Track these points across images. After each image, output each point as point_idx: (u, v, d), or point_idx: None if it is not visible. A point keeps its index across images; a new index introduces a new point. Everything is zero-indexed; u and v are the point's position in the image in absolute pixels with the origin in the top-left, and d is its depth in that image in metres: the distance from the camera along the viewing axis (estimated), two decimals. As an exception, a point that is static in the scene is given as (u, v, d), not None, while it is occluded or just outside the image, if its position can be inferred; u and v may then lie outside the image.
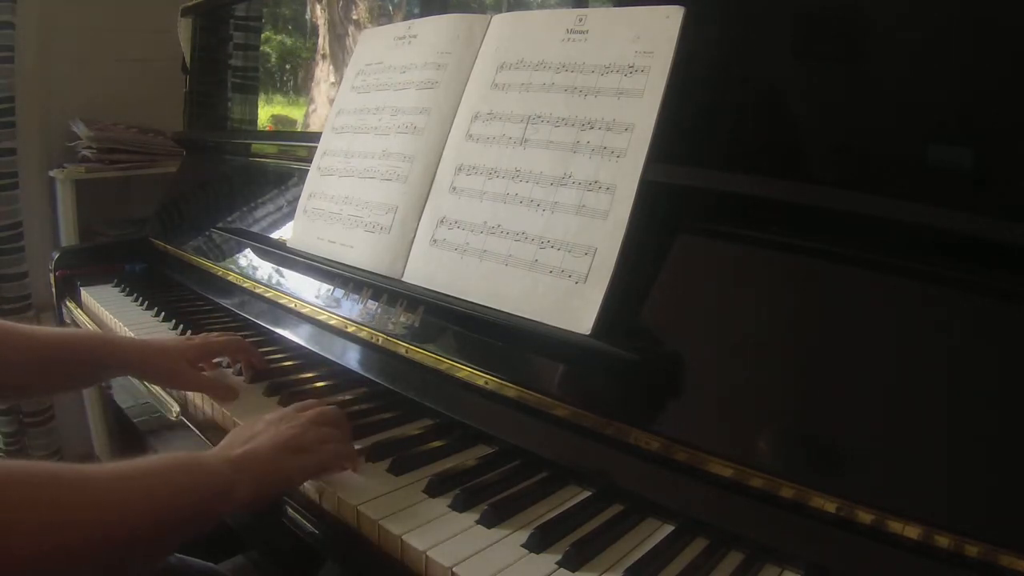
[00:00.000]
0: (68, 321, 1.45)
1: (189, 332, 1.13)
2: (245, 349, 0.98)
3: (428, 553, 0.59)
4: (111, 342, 0.98)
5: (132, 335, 1.14)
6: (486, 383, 0.79)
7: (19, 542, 0.47)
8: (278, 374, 0.98)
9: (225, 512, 0.64)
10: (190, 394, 0.95)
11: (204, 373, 0.95)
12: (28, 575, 0.48)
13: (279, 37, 2.03)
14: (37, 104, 1.98)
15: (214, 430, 0.88)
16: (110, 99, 2.10)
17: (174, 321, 1.20)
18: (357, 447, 0.77)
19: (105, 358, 0.91)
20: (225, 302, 1.26)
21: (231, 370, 0.99)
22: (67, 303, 1.47)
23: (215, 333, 1.02)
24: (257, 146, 1.51)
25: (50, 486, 0.52)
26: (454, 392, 0.82)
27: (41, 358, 0.86)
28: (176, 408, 0.94)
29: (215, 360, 1.00)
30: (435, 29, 1.00)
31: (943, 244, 0.58)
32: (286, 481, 0.69)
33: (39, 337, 0.87)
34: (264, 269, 1.20)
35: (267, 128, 1.86)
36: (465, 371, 0.81)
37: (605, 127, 0.77)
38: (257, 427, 0.72)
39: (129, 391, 1.12)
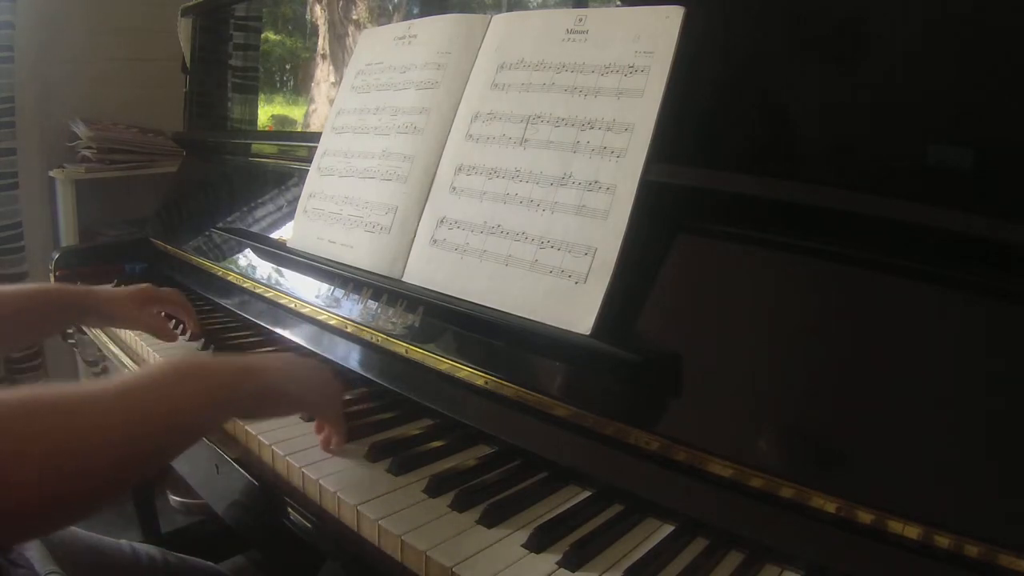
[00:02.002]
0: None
1: (190, 332, 1.13)
2: (183, 304, 1.11)
3: (428, 553, 0.59)
4: (74, 291, 1.10)
5: (130, 333, 1.15)
6: (486, 383, 0.79)
7: (25, 474, 0.48)
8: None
9: (225, 415, 0.69)
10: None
11: (147, 314, 1.06)
12: (43, 502, 0.49)
13: (279, 37, 2.03)
14: (37, 104, 1.98)
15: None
16: (110, 99, 2.10)
17: (174, 321, 1.20)
18: (357, 447, 0.77)
19: (69, 305, 1.02)
20: (225, 302, 1.26)
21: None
22: (67, 303, 1.47)
23: (165, 288, 1.12)
24: (257, 146, 1.51)
25: (53, 413, 0.52)
26: (454, 392, 0.82)
27: (16, 307, 0.93)
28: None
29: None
30: (435, 29, 1.00)
31: (943, 244, 0.58)
32: (283, 402, 0.73)
33: (9, 292, 0.94)
34: (264, 269, 1.20)
35: (267, 128, 1.86)
36: (465, 371, 0.81)
37: (605, 127, 0.77)
38: (277, 355, 0.78)
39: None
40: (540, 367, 0.76)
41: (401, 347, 0.89)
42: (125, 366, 1.11)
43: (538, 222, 0.79)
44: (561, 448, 0.72)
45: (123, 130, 2.04)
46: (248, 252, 1.26)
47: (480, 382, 0.80)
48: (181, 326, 1.15)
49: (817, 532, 0.57)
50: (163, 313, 1.12)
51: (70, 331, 1.38)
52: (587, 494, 0.70)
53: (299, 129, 1.87)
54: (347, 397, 0.91)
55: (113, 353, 1.18)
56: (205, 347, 1.09)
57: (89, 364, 1.57)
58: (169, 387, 0.61)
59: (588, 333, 0.72)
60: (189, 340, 1.10)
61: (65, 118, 2.01)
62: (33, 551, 0.74)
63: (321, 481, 0.70)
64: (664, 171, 0.73)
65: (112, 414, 0.56)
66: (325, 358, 0.99)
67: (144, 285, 1.10)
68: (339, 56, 1.71)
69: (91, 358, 1.39)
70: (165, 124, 2.01)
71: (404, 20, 1.19)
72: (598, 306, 0.72)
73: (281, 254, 1.12)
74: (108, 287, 1.20)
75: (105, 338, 1.23)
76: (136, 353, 1.14)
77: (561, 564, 0.59)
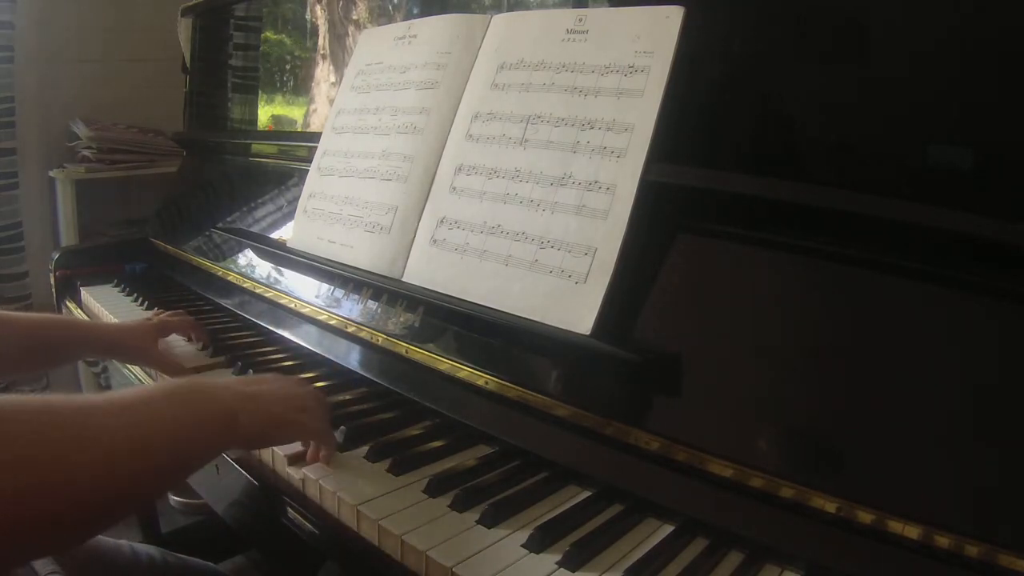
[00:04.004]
0: (68, 321, 1.45)
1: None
2: (192, 326, 1.11)
3: (428, 553, 0.59)
4: (84, 327, 1.12)
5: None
6: (486, 383, 0.79)
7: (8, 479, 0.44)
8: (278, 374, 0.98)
9: (225, 445, 0.65)
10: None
11: (161, 350, 1.04)
12: (25, 522, 0.45)
13: (279, 37, 2.03)
14: (37, 104, 1.98)
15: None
16: (110, 99, 2.10)
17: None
18: (357, 447, 0.77)
19: (80, 342, 1.02)
20: (225, 302, 1.26)
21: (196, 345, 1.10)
22: (67, 303, 1.47)
23: (168, 312, 1.12)
24: (257, 146, 1.51)
25: (44, 424, 0.49)
26: (454, 392, 0.82)
27: (23, 343, 0.94)
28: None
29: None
30: (435, 29, 1.00)
31: (943, 244, 0.58)
32: (284, 431, 0.71)
33: (21, 322, 0.95)
34: (264, 269, 1.20)
35: (267, 128, 1.86)
36: (465, 371, 0.81)
37: (605, 127, 0.77)
38: (263, 377, 0.74)
39: (129, 391, 1.12)
40: (540, 367, 0.76)
41: (401, 347, 0.89)
42: (125, 366, 1.11)
43: (538, 222, 0.79)
44: (561, 448, 0.72)
45: (123, 130, 2.03)
46: (248, 252, 1.26)
47: (480, 382, 0.80)
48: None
49: (817, 532, 0.57)
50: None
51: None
52: (587, 494, 0.70)
53: (299, 129, 1.87)
54: (347, 397, 0.91)
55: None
56: (214, 354, 1.08)
57: (89, 364, 1.57)
58: (171, 409, 0.58)
59: (588, 333, 0.72)
60: (201, 350, 1.09)
61: (65, 118, 2.01)
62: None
63: (321, 481, 0.70)
64: (664, 171, 0.73)
65: (109, 430, 0.52)
66: (325, 358, 0.99)
67: (161, 317, 1.09)
68: (339, 56, 1.71)
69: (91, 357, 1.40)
70: (165, 124, 2.01)
71: (404, 20, 1.19)
72: (598, 306, 0.72)
73: (281, 254, 1.12)
74: (123, 322, 1.17)
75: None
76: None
77: (561, 564, 0.59)
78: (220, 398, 0.64)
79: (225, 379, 0.71)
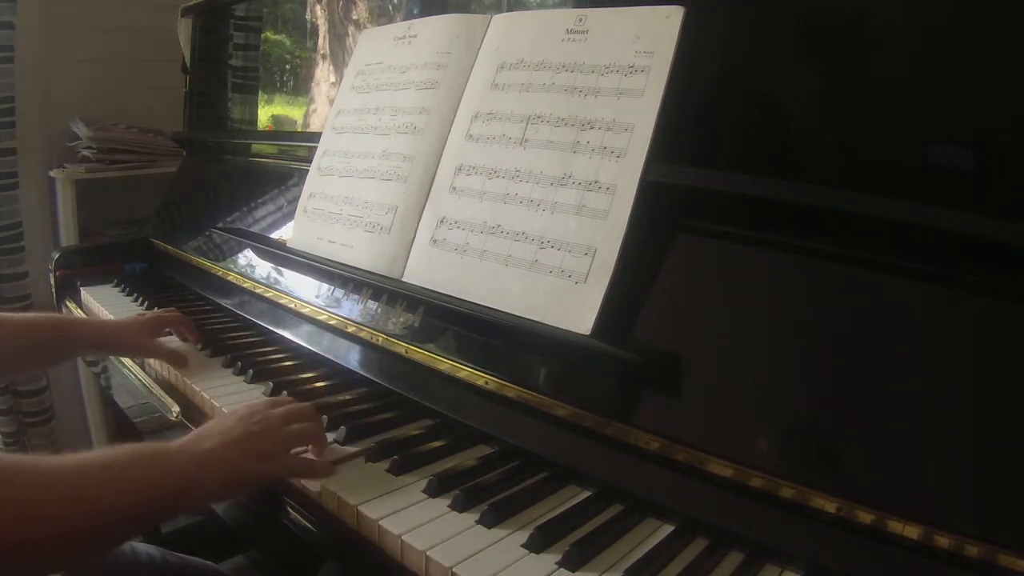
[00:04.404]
0: (68, 321, 1.45)
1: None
2: (185, 322, 1.12)
3: (428, 553, 0.59)
4: (79, 324, 1.14)
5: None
6: (486, 383, 0.79)
7: None
8: (279, 374, 0.98)
9: (186, 508, 0.66)
10: (192, 397, 0.96)
11: (158, 342, 1.05)
12: None
13: (279, 37, 2.03)
14: (37, 104, 1.98)
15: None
16: (110, 99, 2.09)
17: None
18: (357, 447, 0.77)
19: (75, 339, 1.03)
20: (225, 302, 1.26)
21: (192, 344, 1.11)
22: (67, 303, 1.47)
23: (162, 309, 1.16)
24: (257, 146, 1.51)
25: (13, 484, 0.54)
26: (454, 392, 0.82)
27: (18, 342, 0.94)
28: (176, 408, 0.94)
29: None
30: (435, 29, 1.00)
31: (943, 244, 0.58)
32: (248, 485, 0.71)
33: (14, 322, 0.96)
34: (264, 269, 1.20)
35: (267, 128, 1.86)
36: (465, 371, 0.81)
37: (605, 127, 0.77)
38: (227, 422, 0.72)
39: (129, 391, 1.12)
40: (540, 367, 0.76)
41: (401, 347, 0.89)
42: (125, 365, 1.12)
43: (538, 222, 0.80)
44: (561, 448, 0.72)
45: (123, 130, 2.03)
46: (248, 252, 1.26)
47: (480, 382, 0.80)
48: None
49: (817, 532, 0.57)
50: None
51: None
52: (587, 494, 0.70)
53: (299, 129, 1.87)
54: (347, 397, 0.92)
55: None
56: (214, 354, 1.07)
57: (89, 364, 1.57)
58: (131, 472, 0.61)
59: (588, 333, 0.72)
60: (201, 350, 1.09)
61: (65, 118, 2.01)
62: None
63: (321, 481, 0.70)
64: (664, 171, 0.73)
65: (76, 487, 0.57)
66: (325, 358, 0.99)
67: (155, 314, 1.11)
68: (339, 56, 1.71)
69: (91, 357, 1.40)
70: (165, 124, 2.01)
71: (404, 20, 1.19)
72: (598, 306, 0.72)
73: (281, 254, 1.12)
74: (116, 319, 1.19)
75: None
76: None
77: (561, 564, 0.59)
78: (179, 463, 0.65)
79: (186, 439, 0.69)
